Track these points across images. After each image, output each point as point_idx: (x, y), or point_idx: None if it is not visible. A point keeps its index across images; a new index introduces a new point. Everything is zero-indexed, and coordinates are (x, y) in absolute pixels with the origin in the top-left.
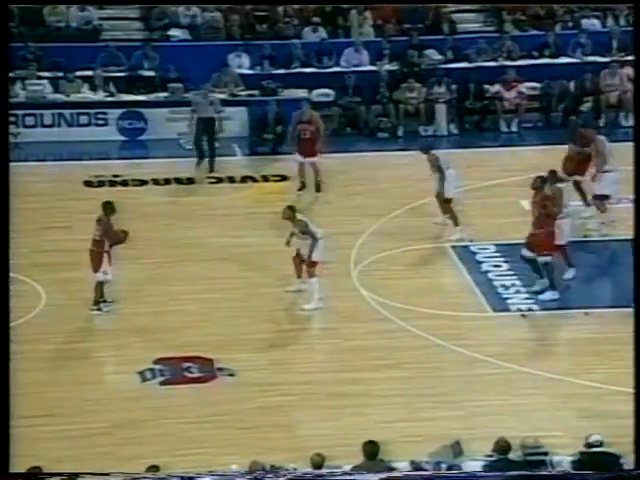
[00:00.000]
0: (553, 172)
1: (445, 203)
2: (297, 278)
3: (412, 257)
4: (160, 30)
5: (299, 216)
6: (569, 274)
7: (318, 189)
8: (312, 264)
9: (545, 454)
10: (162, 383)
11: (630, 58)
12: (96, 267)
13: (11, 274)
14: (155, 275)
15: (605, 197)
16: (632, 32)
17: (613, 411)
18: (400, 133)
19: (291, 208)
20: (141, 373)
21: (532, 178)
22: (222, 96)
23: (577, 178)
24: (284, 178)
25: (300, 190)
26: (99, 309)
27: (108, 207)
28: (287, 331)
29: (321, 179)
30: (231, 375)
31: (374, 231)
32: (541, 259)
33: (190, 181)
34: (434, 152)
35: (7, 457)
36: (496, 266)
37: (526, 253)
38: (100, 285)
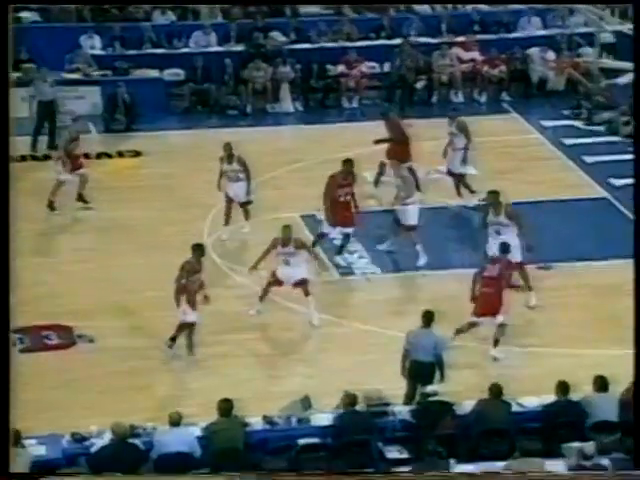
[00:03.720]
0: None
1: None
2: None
3: (263, 227)
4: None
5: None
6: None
7: (81, 198)
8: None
9: (387, 405)
10: (22, 351)
11: (459, 39)
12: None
13: None
14: (15, 248)
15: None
16: (632, 33)
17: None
18: (249, 110)
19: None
20: None
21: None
22: (75, 76)
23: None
24: (138, 154)
25: (86, 203)
26: (169, 346)
27: (198, 249)
28: (145, 298)
29: (85, 192)
30: (91, 341)
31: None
32: (345, 230)
33: (47, 157)
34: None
35: (7, 457)
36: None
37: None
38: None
